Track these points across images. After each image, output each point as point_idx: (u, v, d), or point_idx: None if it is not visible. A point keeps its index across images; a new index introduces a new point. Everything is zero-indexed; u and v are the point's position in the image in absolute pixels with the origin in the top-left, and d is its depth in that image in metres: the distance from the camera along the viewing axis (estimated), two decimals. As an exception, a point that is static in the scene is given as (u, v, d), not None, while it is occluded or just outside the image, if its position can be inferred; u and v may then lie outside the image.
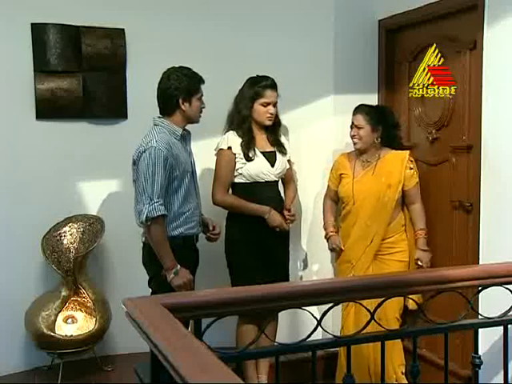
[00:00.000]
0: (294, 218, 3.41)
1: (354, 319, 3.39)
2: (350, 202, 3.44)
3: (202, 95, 3.04)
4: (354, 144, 3.44)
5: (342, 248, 3.47)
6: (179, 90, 2.96)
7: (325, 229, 3.60)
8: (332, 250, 3.59)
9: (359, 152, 3.47)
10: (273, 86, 3.31)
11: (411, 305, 3.31)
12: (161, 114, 3.04)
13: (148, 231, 2.89)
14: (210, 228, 3.21)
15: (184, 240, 3.01)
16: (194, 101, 3.00)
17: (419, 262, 3.35)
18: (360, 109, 3.43)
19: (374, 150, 3.44)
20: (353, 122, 3.42)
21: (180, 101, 2.97)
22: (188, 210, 3.02)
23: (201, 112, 3.08)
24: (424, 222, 3.42)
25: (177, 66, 3.03)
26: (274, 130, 3.41)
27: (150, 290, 3.01)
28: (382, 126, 3.42)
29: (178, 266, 2.90)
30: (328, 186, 3.63)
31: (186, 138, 3.09)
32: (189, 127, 3.11)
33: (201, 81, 3.03)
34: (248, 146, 3.29)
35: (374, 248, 3.38)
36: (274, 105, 3.32)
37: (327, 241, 3.57)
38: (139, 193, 2.88)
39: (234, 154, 3.28)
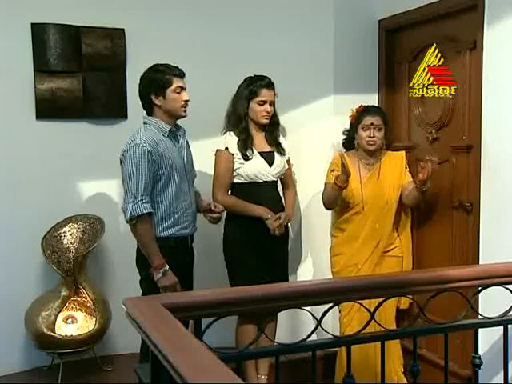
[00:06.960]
0: (279, 223, 3.26)
1: (358, 324, 3.34)
2: (358, 206, 3.37)
3: (181, 88, 2.93)
4: (369, 145, 3.34)
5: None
6: (150, 87, 2.92)
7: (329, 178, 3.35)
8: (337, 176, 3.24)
9: (364, 154, 3.40)
10: (269, 84, 3.30)
11: (402, 304, 3.37)
12: (147, 115, 3.00)
13: (134, 230, 2.86)
14: (213, 207, 3.11)
15: (176, 241, 2.94)
16: (168, 93, 2.91)
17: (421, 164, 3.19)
18: (376, 109, 3.42)
19: (378, 152, 3.42)
20: (371, 123, 3.32)
21: (153, 97, 2.92)
22: (180, 209, 2.95)
23: (185, 105, 2.97)
24: None
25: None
26: (273, 129, 3.41)
27: (141, 291, 2.97)
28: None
29: (167, 267, 2.84)
30: (326, 185, 3.42)
31: (176, 134, 3.02)
32: (188, 126, 3.08)
33: (176, 72, 2.93)
34: (245, 145, 3.28)
35: (380, 250, 3.37)
36: (271, 104, 3.32)
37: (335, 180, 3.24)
38: (124, 192, 2.86)
39: (232, 155, 3.28)
